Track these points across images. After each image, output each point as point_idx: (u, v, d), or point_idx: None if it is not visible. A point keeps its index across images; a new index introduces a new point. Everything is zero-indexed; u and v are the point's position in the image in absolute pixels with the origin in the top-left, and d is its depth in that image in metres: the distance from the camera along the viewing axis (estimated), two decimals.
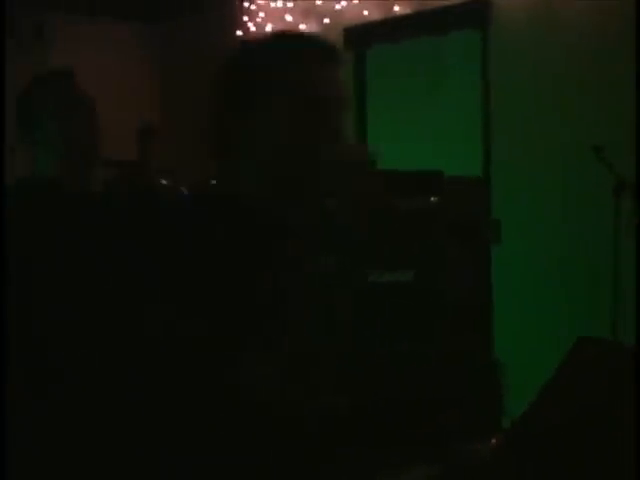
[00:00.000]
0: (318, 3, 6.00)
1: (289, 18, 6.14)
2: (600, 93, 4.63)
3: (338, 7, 5.92)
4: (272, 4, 6.24)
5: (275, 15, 6.23)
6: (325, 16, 5.97)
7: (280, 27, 6.22)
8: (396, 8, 5.67)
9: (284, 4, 6.17)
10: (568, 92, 4.76)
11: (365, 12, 5.80)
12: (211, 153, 1.62)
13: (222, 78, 1.62)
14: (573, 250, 4.68)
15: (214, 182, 1.66)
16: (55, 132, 2.28)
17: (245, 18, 6.34)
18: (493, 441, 4.47)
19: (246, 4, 6.34)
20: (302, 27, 6.07)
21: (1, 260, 2.13)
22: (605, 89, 4.60)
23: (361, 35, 5.71)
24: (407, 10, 5.63)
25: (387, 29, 5.61)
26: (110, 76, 6.37)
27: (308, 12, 6.07)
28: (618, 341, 3.78)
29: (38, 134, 2.29)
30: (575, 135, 4.62)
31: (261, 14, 6.30)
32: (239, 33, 6.34)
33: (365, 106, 5.59)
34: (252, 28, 6.33)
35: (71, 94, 2.33)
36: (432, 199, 4.12)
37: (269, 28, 6.25)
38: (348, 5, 5.87)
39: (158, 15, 6.84)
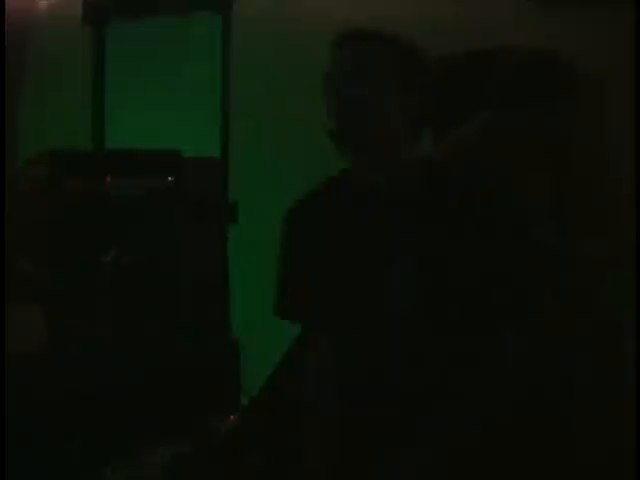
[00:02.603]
0: None
1: None
2: None
3: None
4: None
5: None
6: None
7: None
8: None
9: None
10: (308, 76, 4.90)
11: None
12: None
13: None
14: None
15: None
16: None
17: None
18: (232, 418, 4.55)
19: None
20: None
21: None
22: None
23: (101, 10, 5.56)
24: None
25: (128, 5, 5.50)
26: None
27: None
28: None
29: None
30: (315, 119, 4.77)
31: None
32: None
33: (104, 85, 5.45)
34: None
35: None
36: (169, 179, 4.12)
37: None
38: None
39: None
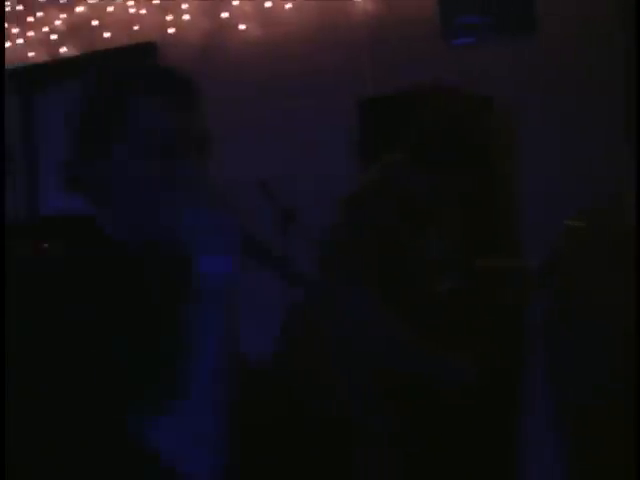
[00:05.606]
0: None
1: None
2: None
3: None
4: None
5: None
6: None
7: None
8: (63, 49, 5.52)
9: None
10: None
11: (31, 53, 5.59)
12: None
13: None
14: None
15: None
16: None
17: None
18: None
19: None
20: None
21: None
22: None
23: (28, 78, 5.53)
24: (75, 52, 5.51)
25: (56, 71, 5.47)
26: None
27: None
28: None
29: None
30: (240, 170, 4.79)
31: None
32: None
33: (37, 155, 5.40)
34: None
35: None
36: None
37: None
38: (12, 45, 5.61)
39: None
